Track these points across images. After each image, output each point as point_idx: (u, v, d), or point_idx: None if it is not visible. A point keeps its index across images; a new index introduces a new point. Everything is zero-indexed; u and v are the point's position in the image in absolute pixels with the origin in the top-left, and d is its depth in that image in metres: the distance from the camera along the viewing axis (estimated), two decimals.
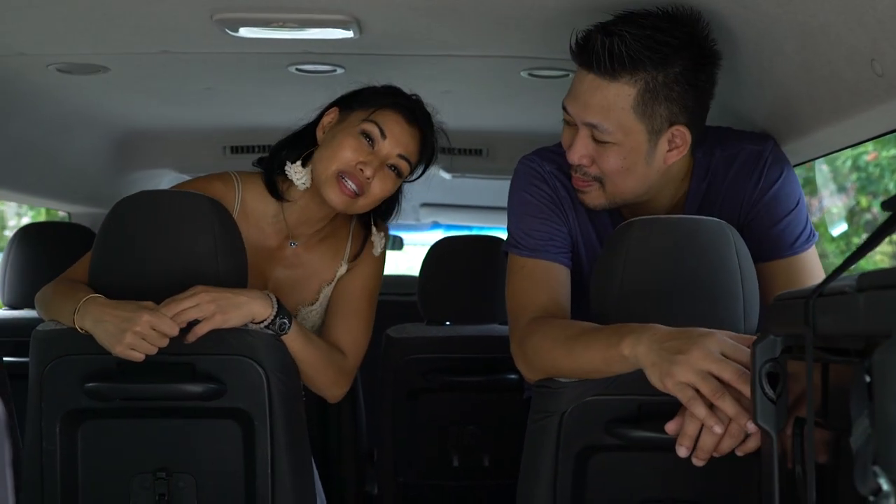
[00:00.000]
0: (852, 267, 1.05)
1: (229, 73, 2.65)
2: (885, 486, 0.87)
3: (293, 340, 1.95)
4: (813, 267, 1.90)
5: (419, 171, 2.21)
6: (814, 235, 1.92)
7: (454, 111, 3.24)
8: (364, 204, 2.10)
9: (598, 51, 1.75)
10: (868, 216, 8.82)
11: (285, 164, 2.14)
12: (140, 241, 1.88)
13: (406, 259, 6.25)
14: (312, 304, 2.23)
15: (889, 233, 1.02)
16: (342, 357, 2.14)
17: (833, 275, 1.06)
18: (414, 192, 5.19)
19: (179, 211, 1.89)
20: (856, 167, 8.70)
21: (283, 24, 2.07)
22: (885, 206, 1.04)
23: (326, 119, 2.16)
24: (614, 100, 1.77)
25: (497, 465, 2.89)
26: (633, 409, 1.62)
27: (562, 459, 1.67)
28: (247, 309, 1.87)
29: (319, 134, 2.16)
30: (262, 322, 1.90)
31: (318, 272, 2.24)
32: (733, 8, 1.74)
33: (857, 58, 1.47)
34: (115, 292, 1.86)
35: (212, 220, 1.89)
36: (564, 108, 1.87)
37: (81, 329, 1.84)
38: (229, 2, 1.98)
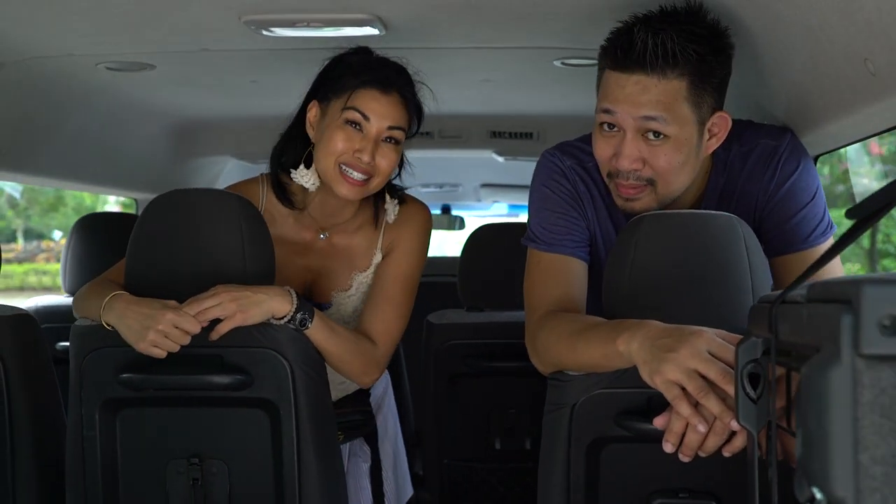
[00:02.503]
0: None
1: (271, 66, 2.72)
2: (818, 494, 0.90)
3: (317, 333, 2.00)
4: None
5: (414, 126, 2.21)
6: (831, 228, 1.90)
7: (497, 97, 3.29)
8: (377, 183, 2.14)
9: (649, 50, 1.74)
10: None
11: (291, 172, 2.19)
12: (170, 239, 1.96)
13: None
14: (347, 291, 2.27)
15: (852, 241, 1.03)
16: (371, 346, 2.17)
17: (794, 283, 1.08)
18: (474, 174, 5.25)
19: (208, 209, 1.97)
20: None
21: (308, 24, 2.13)
22: (849, 214, 1.05)
23: (311, 115, 2.19)
24: (669, 94, 1.77)
25: (538, 448, 2.92)
26: (643, 401, 1.64)
27: (574, 450, 1.70)
28: (266, 306, 1.93)
29: (311, 132, 2.18)
30: (282, 318, 1.96)
31: (353, 260, 2.27)
32: (743, 3, 1.74)
33: (852, 56, 1.47)
34: (147, 289, 1.95)
35: (239, 218, 1.96)
36: (604, 112, 1.83)
37: (107, 325, 1.92)
38: (255, 4, 2.04)
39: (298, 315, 1.97)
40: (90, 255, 3.18)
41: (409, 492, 2.62)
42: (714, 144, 1.86)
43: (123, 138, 3.42)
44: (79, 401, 1.96)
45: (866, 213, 1.00)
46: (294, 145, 2.22)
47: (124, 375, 1.92)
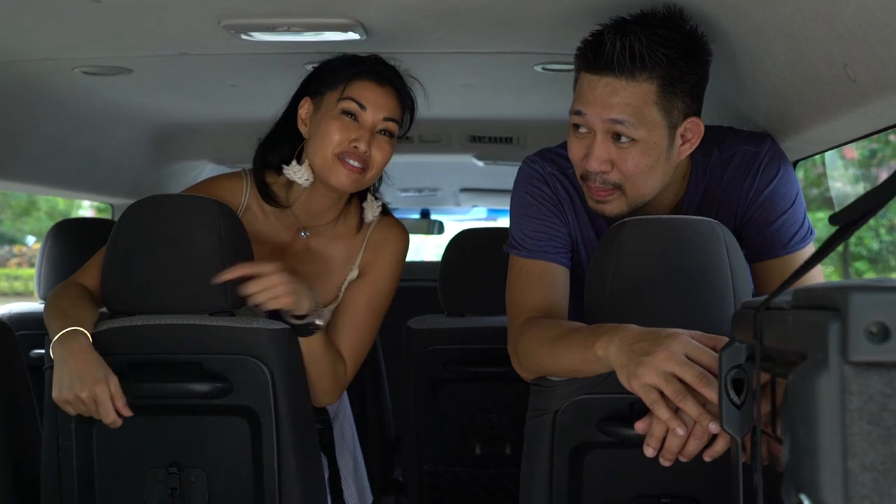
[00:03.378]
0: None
1: (250, 71, 2.70)
2: (805, 501, 0.89)
3: (316, 341, 2.01)
4: None
5: (406, 124, 2.22)
6: (811, 233, 1.91)
7: (478, 102, 3.28)
8: (371, 176, 2.14)
9: (616, 53, 1.76)
10: None
11: (283, 169, 2.17)
12: (147, 246, 1.95)
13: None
14: (329, 305, 2.25)
15: (835, 247, 1.03)
16: (343, 366, 2.17)
17: (779, 289, 1.08)
18: (453, 178, 5.25)
19: (186, 216, 1.95)
20: None
21: (288, 28, 2.12)
22: (832, 220, 1.05)
23: (303, 112, 2.18)
24: (637, 97, 1.78)
25: (519, 453, 2.89)
26: (625, 407, 1.64)
27: (557, 457, 1.69)
28: (310, 302, 1.97)
29: (303, 128, 2.18)
30: (300, 316, 1.96)
31: (333, 270, 2.26)
32: (723, 10, 1.75)
33: (833, 62, 1.47)
34: (123, 297, 1.93)
35: (218, 225, 1.94)
36: (576, 114, 1.85)
37: (51, 356, 1.89)
38: (235, 8, 2.03)
39: (317, 321, 1.98)
40: (65, 261, 3.14)
41: (369, 499, 2.62)
42: (687, 150, 1.87)
43: (100, 143, 3.39)
44: (54, 410, 1.94)
45: (849, 219, 1.01)
46: (281, 143, 2.21)
47: None
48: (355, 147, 2.08)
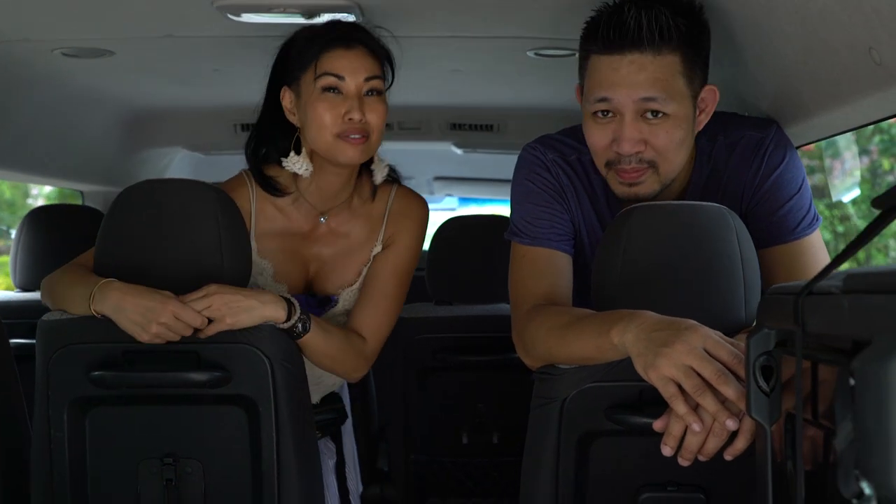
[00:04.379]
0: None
1: (235, 54, 2.64)
2: (867, 489, 0.87)
3: (312, 338, 1.97)
4: (816, 252, 1.89)
5: (389, 75, 2.15)
6: (817, 219, 1.90)
7: (463, 89, 3.25)
8: (375, 139, 2.08)
9: (644, 27, 1.72)
10: (891, 178, 8.76)
11: (282, 161, 2.12)
12: (144, 231, 1.89)
13: None
14: (352, 286, 2.21)
15: (879, 231, 1.01)
16: (361, 342, 2.14)
17: (822, 273, 1.06)
18: (428, 167, 5.22)
19: (182, 200, 1.90)
20: (878, 129, 8.64)
21: (284, 10, 2.07)
22: (875, 203, 1.03)
23: (286, 102, 2.12)
24: (665, 71, 1.75)
25: (506, 443, 2.90)
26: (635, 394, 1.62)
27: (563, 445, 1.67)
28: (257, 313, 1.88)
29: (292, 118, 2.12)
30: (282, 325, 1.92)
31: (356, 250, 2.22)
32: None
33: (856, 45, 1.46)
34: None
35: (216, 210, 1.89)
36: (600, 100, 1.80)
37: (98, 313, 1.85)
38: None
39: (299, 325, 1.94)
40: (42, 248, 3.08)
41: (360, 487, 2.60)
42: (703, 120, 1.86)
43: (73, 128, 3.31)
44: (46, 400, 1.88)
45: (892, 202, 0.99)
46: (273, 135, 2.15)
47: (96, 373, 1.85)
48: (350, 119, 2.02)
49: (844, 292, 0.96)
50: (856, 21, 1.41)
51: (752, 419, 1.25)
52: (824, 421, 1.06)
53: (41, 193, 10.79)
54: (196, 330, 1.86)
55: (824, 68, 1.64)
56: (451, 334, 2.86)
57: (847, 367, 0.93)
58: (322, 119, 2.03)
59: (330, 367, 2.08)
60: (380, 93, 2.08)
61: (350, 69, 2.04)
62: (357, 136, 2.04)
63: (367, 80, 2.05)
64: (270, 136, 2.16)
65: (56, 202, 4.58)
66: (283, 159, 2.12)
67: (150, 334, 1.82)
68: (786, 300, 1.12)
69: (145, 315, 1.82)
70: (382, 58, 2.10)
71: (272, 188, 2.16)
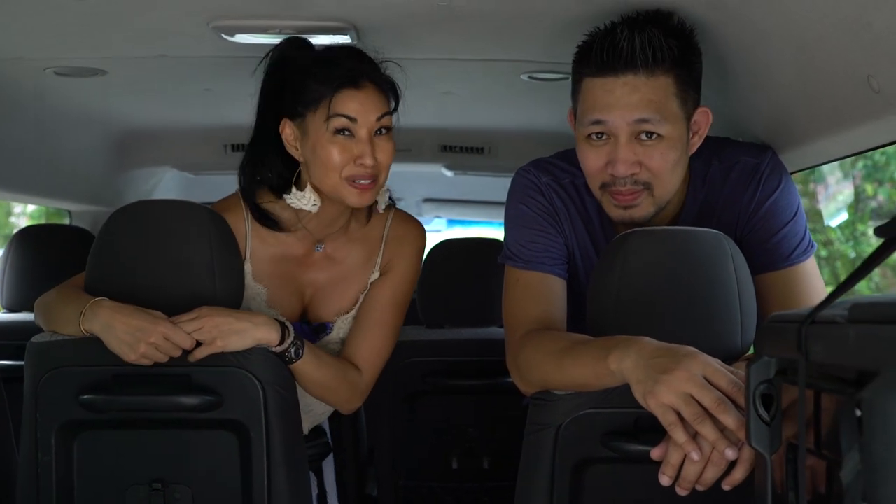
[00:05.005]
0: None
1: (228, 74, 2.63)
2: None
3: (305, 365, 1.94)
4: (810, 278, 1.88)
5: (394, 106, 2.09)
6: (812, 246, 1.90)
7: (455, 111, 3.25)
8: (383, 179, 2.04)
9: (637, 49, 1.73)
10: (874, 204, 8.81)
11: (285, 197, 2.07)
12: (135, 252, 1.87)
13: None
14: (348, 313, 2.17)
15: (882, 260, 1.01)
16: (357, 373, 2.10)
17: (826, 302, 1.05)
18: (416, 189, 5.21)
19: (175, 222, 1.88)
20: (862, 155, 8.70)
21: (279, 31, 2.06)
22: (878, 232, 1.03)
23: (288, 136, 2.04)
24: (659, 92, 1.76)
25: (496, 468, 2.89)
26: (630, 422, 1.61)
27: (558, 472, 1.66)
28: (249, 336, 1.86)
29: (294, 153, 2.04)
30: (275, 349, 1.90)
31: (353, 277, 2.17)
32: (728, 19, 1.74)
33: (854, 73, 1.46)
34: None
35: (209, 232, 1.88)
36: (594, 123, 1.79)
37: (87, 332, 1.83)
38: (227, 9, 1.97)
39: (292, 350, 1.92)
40: (31, 268, 3.05)
41: None
42: (697, 142, 1.86)
43: (63, 147, 3.29)
44: (34, 423, 1.85)
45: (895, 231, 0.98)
46: (272, 164, 2.07)
47: (86, 396, 1.83)
48: (362, 164, 1.97)
49: (850, 322, 0.95)
50: (855, 49, 1.41)
51: (752, 448, 1.24)
52: (826, 451, 1.05)
53: (24, 212, 10.72)
54: (186, 353, 1.83)
55: (821, 95, 1.64)
56: (441, 358, 2.84)
57: (853, 398, 0.93)
58: (332, 161, 1.97)
59: (322, 396, 2.05)
60: (389, 129, 2.03)
61: (362, 111, 1.98)
62: (366, 181, 1.99)
63: (379, 118, 2.00)
64: (271, 166, 2.08)
65: (39, 221, 4.55)
66: (286, 195, 2.06)
67: (137, 354, 1.80)
68: (787, 328, 1.12)
69: (134, 334, 1.79)
70: (389, 92, 2.06)
71: (270, 221, 2.10)
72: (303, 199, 2.04)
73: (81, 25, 2.10)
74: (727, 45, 1.84)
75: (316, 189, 2.04)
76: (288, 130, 2.03)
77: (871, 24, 1.32)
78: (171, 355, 1.82)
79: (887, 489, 0.81)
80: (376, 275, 2.17)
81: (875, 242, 0.96)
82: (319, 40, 2.10)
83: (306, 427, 2.23)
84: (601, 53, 1.76)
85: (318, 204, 2.04)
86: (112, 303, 1.84)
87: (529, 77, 2.55)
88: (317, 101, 1.98)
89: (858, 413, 0.90)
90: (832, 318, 1.00)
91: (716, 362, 1.45)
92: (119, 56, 2.39)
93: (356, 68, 1.99)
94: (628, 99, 1.75)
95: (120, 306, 1.83)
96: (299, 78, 2.00)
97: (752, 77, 1.88)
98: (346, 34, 2.09)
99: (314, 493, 2.30)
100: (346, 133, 1.98)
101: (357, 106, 1.98)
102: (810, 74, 1.62)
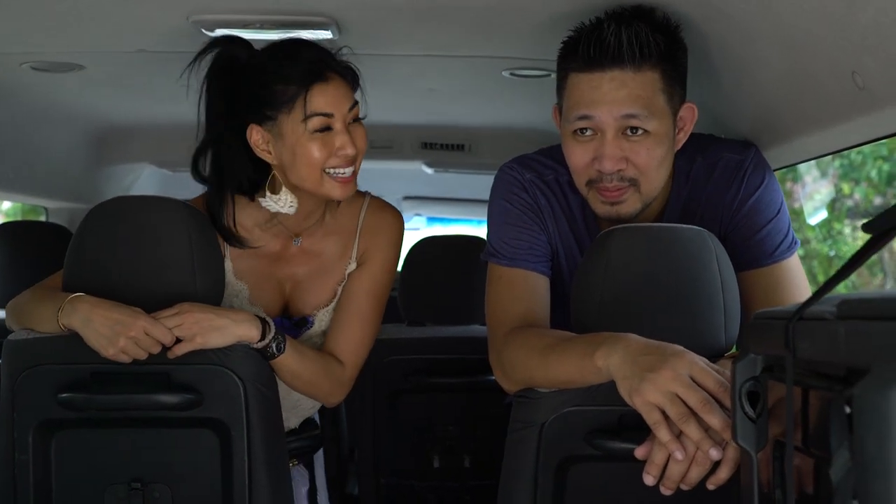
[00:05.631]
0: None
1: (205, 70, 2.61)
2: None
3: (287, 359, 1.93)
4: (794, 275, 1.89)
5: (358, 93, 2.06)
6: (795, 243, 1.90)
7: (437, 108, 3.24)
8: (358, 164, 2.02)
9: (624, 43, 1.72)
10: (850, 203, 8.86)
11: (260, 200, 2.03)
12: (114, 249, 1.85)
13: None
14: (328, 306, 2.15)
15: (869, 256, 1.01)
16: (339, 366, 2.08)
17: (813, 298, 1.05)
18: (397, 186, 5.20)
19: (154, 217, 1.86)
20: (838, 154, 8.74)
21: (260, 26, 2.04)
22: (865, 228, 1.02)
23: (256, 141, 1.98)
24: (646, 87, 1.75)
25: (478, 466, 2.88)
26: (614, 420, 1.60)
27: (542, 470, 1.65)
28: (230, 332, 1.84)
29: (266, 157, 1.99)
30: (256, 345, 1.88)
31: (330, 269, 2.15)
32: (713, 15, 1.73)
33: (839, 70, 1.46)
34: None
35: (188, 228, 1.86)
36: (581, 118, 1.78)
37: (65, 327, 1.81)
38: (207, 3, 1.95)
39: (273, 345, 1.90)
40: (6, 265, 3.02)
41: None
42: (682, 138, 1.85)
43: (39, 143, 3.26)
44: (10, 422, 1.83)
45: (883, 227, 0.98)
46: (240, 173, 2.02)
47: (64, 395, 1.80)
48: (343, 154, 1.96)
49: (839, 318, 0.95)
50: (840, 46, 1.41)
51: (738, 447, 1.24)
52: (814, 449, 1.05)
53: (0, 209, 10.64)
54: (165, 349, 1.81)
55: (805, 92, 1.64)
56: (422, 356, 2.83)
57: (842, 395, 0.92)
58: (314, 158, 1.95)
59: (305, 390, 2.03)
60: (361, 118, 2.03)
61: (335, 105, 1.95)
62: (347, 171, 1.97)
63: (351, 109, 1.99)
64: (241, 172, 2.02)
65: (14, 219, 4.50)
66: (261, 199, 2.03)
67: (116, 348, 1.78)
68: (774, 325, 1.11)
69: (113, 328, 1.77)
70: (351, 79, 2.03)
71: (235, 239, 2.05)
72: (279, 202, 2.01)
73: (59, 19, 2.07)
74: (712, 41, 1.84)
75: (293, 189, 2.01)
76: (257, 136, 1.97)
77: (856, 20, 1.32)
78: (150, 351, 1.80)
79: (879, 486, 0.81)
80: (353, 266, 2.15)
81: (852, 241, 0.96)
82: (299, 34, 2.08)
83: (296, 421, 2.23)
84: (588, 48, 1.75)
85: (296, 206, 2.02)
86: (91, 297, 1.82)
87: (511, 74, 2.55)
88: (289, 103, 1.93)
89: (848, 410, 0.90)
90: (820, 314, 0.99)
91: (703, 362, 1.44)
92: (97, 50, 2.36)
93: (318, 60, 1.95)
94: (615, 94, 1.74)
95: (99, 301, 1.81)
96: (258, 79, 1.95)
97: (737, 73, 1.88)
98: (327, 29, 2.07)
99: (305, 487, 2.29)
100: (326, 129, 1.96)
101: (330, 100, 1.95)
102: (795, 71, 1.62)
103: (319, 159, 1.95)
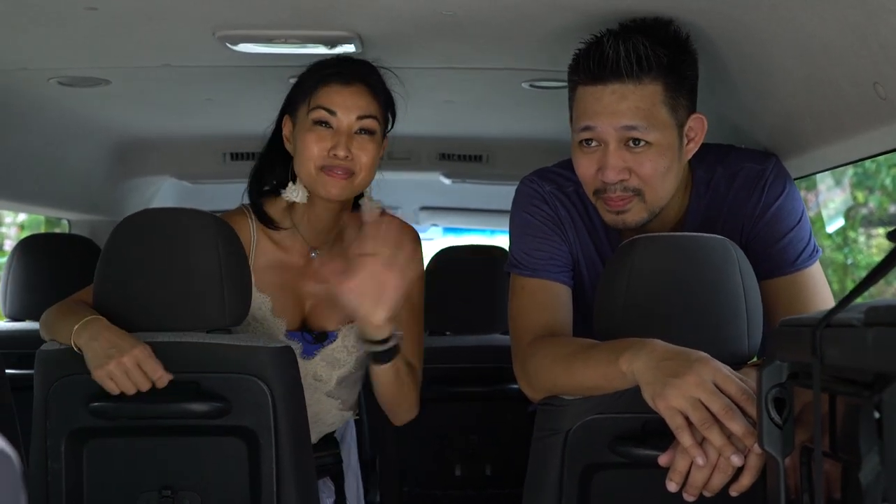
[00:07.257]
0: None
1: (230, 84, 2.64)
2: None
3: (394, 366, 1.96)
4: (817, 283, 1.90)
5: (389, 119, 2.13)
6: (817, 251, 1.91)
7: (455, 119, 3.26)
8: (361, 180, 2.05)
9: (622, 57, 1.75)
10: (864, 211, 8.83)
11: (281, 192, 2.11)
12: (142, 261, 1.88)
13: None
14: (353, 322, 2.13)
15: (894, 264, 1.02)
16: (417, 373, 2.12)
17: (840, 305, 1.06)
18: (415, 197, 5.23)
19: (183, 230, 1.89)
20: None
21: (285, 41, 2.07)
22: (890, 236, 1.04)
23: (286, 130, 2.12)
24: (646, 100, 1.78)
25: (499, 475, 2.89)
26: (638, 426, 1.62)
27: (567, 477, 1.66)
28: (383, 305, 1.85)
29: (289, 147, 2.11)
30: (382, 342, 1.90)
31: None
32: (732, 26, 1.75)
33: (860, 80, 1.48)
34: (118, 313, 1.86)
35: (216, 239, 1.88)
36: (584, 129, 1.82)
37: (76, 346, 1.83)
38: (232, 18, 1.98)
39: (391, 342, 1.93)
40: (33, 277, 3.05)
41: None
42: (692, 149, 1.87)
43: (64, 156, 3.29)
44: (43, 431, 1.86)
45: None
46: (272, 166, 2.15)
47: (95, 404, 1.83)
48: (335, 155, 2.00)
49: (867, 325, 0.96)
50: (861, 56, 1.42)
51: (764, 452, 1.25)
52: (842, 454, 1.06)
53: (14, 222, 10.66)
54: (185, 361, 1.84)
55: (826, 102, 1.66)
56: (444, 365, 2.84)
57: (871, 400, 0.94)
58: (309, 150, 2.02)
59: (398, 400, 2.06)
60: (372, 133, 2.05)
61: (343, 105, 2.02)
62: (340, 171, 2.02)
63: (360, 118, 2.03)
64: (270, 163, 2.15)
65: (32, 231, 4.54)
66: (281, 190, 2.11)
67: (104, 371, 1.78)
68: (801, 332, 1.13)
69: (108, 350, 1.79)
70: (381, 99, 2.07)
71: (267, 220, 2.14)
72: (294, 192, 2.09)
73: (87, 35, 2.10)
74: (731, 53, 1.86)
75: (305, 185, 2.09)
76: (287, 126, 2.12)
77: (877, 31, 1.34)
78: (139, 386, 1.80)
79: None
80: None
81: (866, 249, 0.98)
82: (322, 49, 2.12)
83: (315, 436, 2.23)
84: (589, 62, 1.79)
85: (306, 195, 2.08)
86: (105, 322, 1.84)
87: (531, 85, 2.57)
88: (306, 94, 2.06)
89: (878, 415, 0.92)
90: (847, 321, 1.01)
91: (726, 369, 1.46)
92: (123, 66, 2.40)
93: (350, 68, 2.05)
94: (616, 106, 1.78)
95: (111, 326, 1.84)
96: (301, 78, 2.10)
97: (757, 84, 1.90)
98: (350, 43, 2.10)
99: (331, 499, 2.30)
100: (325, 125, 2.03)
101: (339, 100, 2.03)
102: (815, 81, 1.64)
103: (313, 153, 2.02)
